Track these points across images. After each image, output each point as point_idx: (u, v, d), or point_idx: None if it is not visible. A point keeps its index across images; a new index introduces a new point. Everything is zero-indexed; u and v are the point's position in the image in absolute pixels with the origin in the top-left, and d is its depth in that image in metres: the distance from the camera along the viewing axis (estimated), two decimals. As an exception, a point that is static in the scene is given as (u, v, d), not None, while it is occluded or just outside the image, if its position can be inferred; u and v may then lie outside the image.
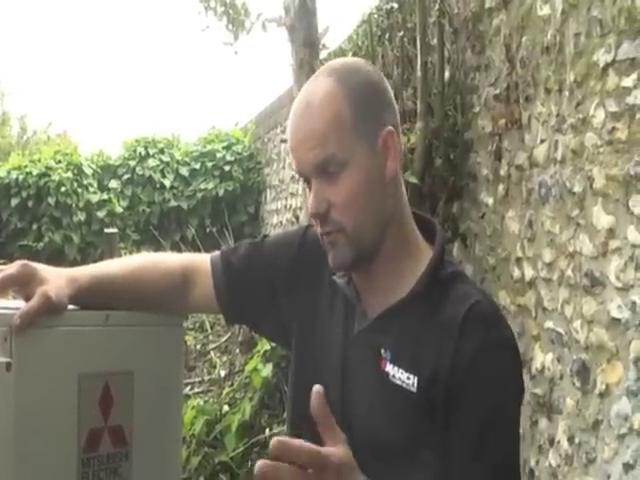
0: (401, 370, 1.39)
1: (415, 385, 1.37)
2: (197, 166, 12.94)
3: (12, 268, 1.41)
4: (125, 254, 9.72)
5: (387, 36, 5.43)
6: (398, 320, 1.42)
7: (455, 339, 1.35)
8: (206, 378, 6.67)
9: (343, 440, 1.19)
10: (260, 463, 1.09)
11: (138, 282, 1.55)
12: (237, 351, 6.88)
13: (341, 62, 1.50)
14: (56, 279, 1.42)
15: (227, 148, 13.03)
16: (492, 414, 1.35)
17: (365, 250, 1.42)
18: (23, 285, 1.41)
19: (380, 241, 1.43)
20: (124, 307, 1.52)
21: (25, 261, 1.44)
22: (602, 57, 2.96)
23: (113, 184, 12.87)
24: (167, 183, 12.77)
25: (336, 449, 1.16)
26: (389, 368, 1.40)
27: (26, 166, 12.47)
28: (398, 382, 1.38)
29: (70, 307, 1.43)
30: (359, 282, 1.49)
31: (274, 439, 1.11)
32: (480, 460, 1.33)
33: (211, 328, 7.80)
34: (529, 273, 3.66)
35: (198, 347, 7.43)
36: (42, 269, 1.44)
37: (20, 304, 1.37)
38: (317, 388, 1.17)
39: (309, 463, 1.12)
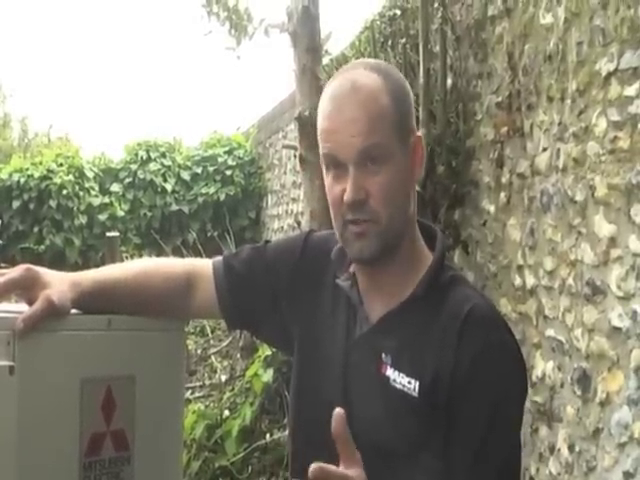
0: (402, 374, 1.39)
1: (416, 390, 1.37)
2: (199, 170, 12.95)
3: (15, 272, 1.41)
4: (126, 258, 9.73)
5: (390, 43, 5.43)
6: (399, 324, 1.42)
7: (455, 342, 1.36)
8: (207, 383, 6.67)
9: (358, 460, 1.21)
10: None
11: (140, 287, 1.55)
12: (238, 356, 6.88)
13: (376, 61, 1.53)
14: (59, 283, 1.43)
15: (229, 153, 13.05)
16: (493, 416, 1.35)
17: (390, 244, 1.42)
18: (26, 289, 1.41)
19: (401, 239, 1.44)
20: (126, 312, 1.52)
21: (28, 265, 1.44)
22: (604, 66, 2.96)
23: (115, 187, 12.88)
24: (168, 187, 12.78)
25: (353, 470, 1.19)
26: (390, 372, 1.41)
27: (27, 169, 12.49)
28: (399, 386, 1.39)
29: (73, 311, 1.43)
30: (362, 286, 1.50)
31: (313, 465, 1.15)
32: (481, 462, 1.33)
33: (212, 333, 7.80)
34: (530, 281, 3.67)
35: (199, 351, 7.43)
36: (45, 273, 1.44)
37: (23, 308, 1.37)
38: (339, 411, 1.19)
39: None
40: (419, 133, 1.47)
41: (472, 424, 1.34)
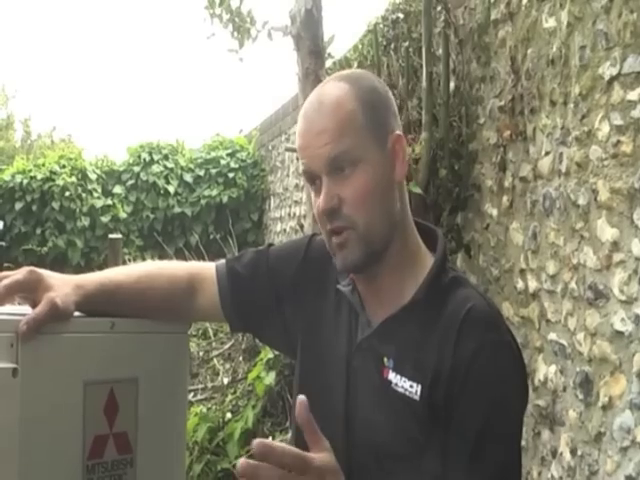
0: (404, 378, 1.39)
1: (418, 393, 1.37)
2: (201, 173, 12.94)
3: (19, 274, 1.41)
4: (129, 260, 9.73)
5: (392, 46, 5.44)
6: (400, 328, 1.43)
7: (454, 341, 1.37)
8: (209, 385, 6.67)
9: (327, 448, 1.22)
10: (242, 461, 1.13)
11: (144, 290, 1.55)
12: (240, 358, 6.89)
13: (349, 71, 1.55)
14: (63, 286, 1.43)
15: (231, 155, 13.05)
16: (490, 416, 1.35)
17: (374, 250, 1.42)
18: (30, 291, 1.41)
19: (388, 243, 1.44)
20: (130, 314, 1.53)
21: (32, 267, 1.44)
22: (607, 70, 2.97)
23: (117, 189, 12.88)
24: (171, 189, 12.77)
25: (319, 454, 1.19)
26: (392, 377, 1.41)
27: (30, 170, 12.49)
28: (401, 390, 1.39)
29: (76, 314, 1.44)
30: (363, 290, 1.50)
31: (256, 440, 1.15)
32: (477, 462, 1.33)
33: (214, 335, 7.80)
34: (533, 285, 3.67)
35: (201, 354, 7.43)
36: (49, 276, 1.44)
37: (26, 310, 1.38)
38: (301, 398, 1.20)
39: (291, 465, 1.15)
40: (399, 132, 1.47)
41: (468, 423, 1.34)
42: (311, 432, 1.20)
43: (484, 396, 1.35)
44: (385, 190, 1.43)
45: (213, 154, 13.11)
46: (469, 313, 1.38)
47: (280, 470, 1.14)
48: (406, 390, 1.39)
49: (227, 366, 7.02)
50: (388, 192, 1.44)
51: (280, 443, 1.16)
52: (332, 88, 1.45)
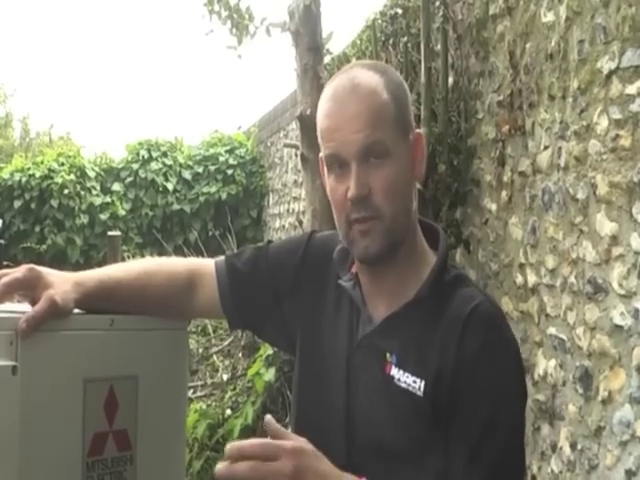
0: (407, 374, 1.39)
1: (422, 389, 1.37)
2: (200, 169, 12.95)
3: (18, 272, 1.41)
4: (128, 257, 9.73)
5: (391, 42, 5.44)
6: (403, 324, 1.42)
7: (457, 339, 1.37)
8: (208, 382, 6.67)
9: (303, 439, 1.25)
10: (218, 466, 1.16)
11: (143, 287, 1.55)
12: (240, 355, 6.89)
13: (374, 62, 1.55)
14: (62, 283, 1.43)
15: (230, 152, 13.06)
16: (492, 413, 1.35)
17: (396, 242, 1.42)
18: (29, 289, 1.41)
19: (405, 238, 1.44)
20: (129, 311, 1.53)
21: (31, 265, 1.44)
22: (606, 64, 2.96)
23: (116, 187, 12.88)
24: (170, 186, 12.78)
25: (289, 440, 1.23)
26: (394, 372, 1.41)
27: (29, 168, 12.50)
28: (404, 386, 1.39)
29: (76, 311, 1.44)
30: (366, 285, 1.50)
31: (227, 446, 1.18)
32: (478, 459, 1.33)
33: (214, 332, 7.79)
34: (532, 279, 3.67)
35: (200, 351, 7.42)
36: (48, 273, 1.44)
37: (26, 308, 1.37)
38: (268, 417, 1.24)
39: (263, 453, 1.17)
40: (419, 130, 1.48)
41: (470, 420, 1.35)
42: (281, 436, 1.23)
43: (486, 395, 1.35)
44: (408, 185, 1.44)
45: (212, 151, 13.11)
46: (473, 311, 1.38)
47: (252, 462, 1.16)
48: (409, 385, 1.38)
49: (226, 362, 7.02)
50: (410, 188, 1.45)
51: (249, 440, 1.19)
52: (365, 75, 1.42)
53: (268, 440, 1.19)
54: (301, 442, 1.23)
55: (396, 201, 1.40)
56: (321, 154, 1.47)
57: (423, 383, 1.37)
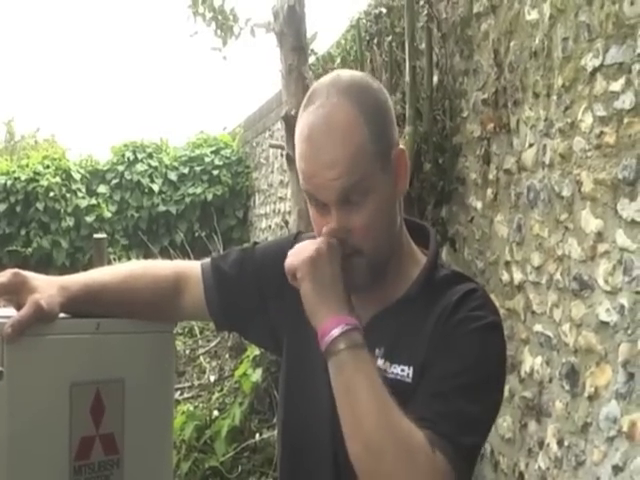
0: (394, 365, 1.40)
1: (410, 376, 1.38)
2: (185, 171, 12.92)
3: (3, 277, 1.40)
4: (114, 259, 9.71)
5: (375, 41, 5.44)
6: (392, 320, 1.43)
7: (445, 319, 1.38)
8: (196, 383, 6.66)
9: None
10: None
11: (129, 290, 1.55)
12: (227, 356, 6.88)
13: (349, 80, 1.43)
14: (47, 287, 1.42)
15: (215, 152, 13.03)
16: (466, 369, 1.34)
17: (379, 270, 1.43)
18: (14, 294, 1.40)
19: (390, 258, 1.45)
20: (115, 315, 1.52)
21: (16, 270, 1.43)
22: (590, 62, 2.97)
23: (102, 189, 12.83)
24: (156, 188, 12.74)
25: None
26: (381, 363, 1.41)
27: (14, 171, 12.43)
28: (392, 376, 1.39)
29: (61, 315, 1.43)
30: None
31: None
32: (441, 400, 1.31)
33: (200, 333, 7.79)
34: (518, 277, 3.68)
35: (187, 352, 7.42)
36: (33, 277, 1.43)
37: (11, 313, 1.37)
38: None
39: None
40: (401, 146, 1.45)
41: (439, 371, 1.34)
42: None
43: (460, 360, 1.35)
44: (390, 210, 1.43)
45: (197, 152, 13.09)
46: (463, 296, 1.40)
47: None
48: (397, 375, 1.39)
49: (213, 364, 7.01)
50: (392, 211, 1.43)
51: None
52: (339, 111, 1.37)
53: None
54: None
55: (377, 235, 1.40)
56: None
57: (411, 370, 1.38)
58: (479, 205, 4.16)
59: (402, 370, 1.39)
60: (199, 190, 12.72)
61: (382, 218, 1.40)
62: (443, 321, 1.38)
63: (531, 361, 3.51)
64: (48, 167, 12.52)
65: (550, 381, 3.32)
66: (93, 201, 12.63)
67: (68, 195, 12.44)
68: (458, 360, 1.35)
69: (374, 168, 1.37)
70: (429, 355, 1.36)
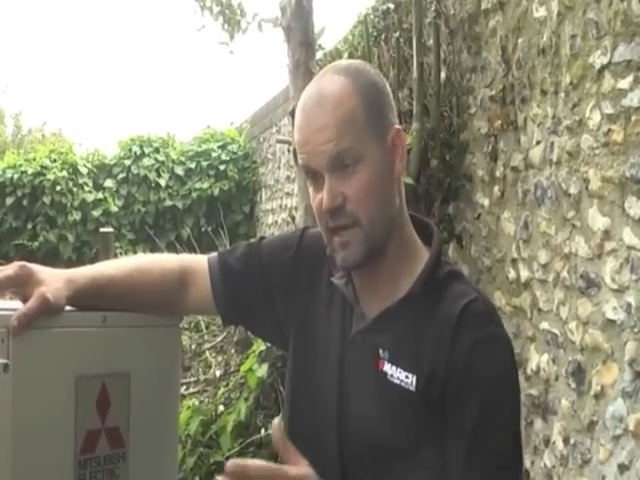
0: (399, 369, 1.39)
1: (414, 384, 1.37)
2: (192, 165, 12.91)
3: (9, 269, 1.40)
4: (120, 253, 9.71)
5: (383, 37, 5.43)
6: (396, 320, 1.42)
7: (450, 336, 1.37)
8: (201, 378, 6.65)
9: (305, 464, 1.26)
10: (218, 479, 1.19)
11: (136, 284, 1.54)
12: (232, 351, 6.87)
13: (347, 63, 1.51)
14: (54, 280, 1.42)
15: (222, 147, 13.02)
16: (488, 409, 1.35)
17: (376, 247, 1.42)
18: (20, 286, 1.40)
19: (388, 239, 1.44)
20: (122, 308, 1.52)
21: (23, 262, 1.43)
22: (598, 59, 2.96)
23: (108, 183, 12.84)
24: (162, 182, 12.74)
25: (296, 466, 1.24)
26: (387, 368, 1.41)
27: (21, 165, 12.45)
28: (396, 381, 1.39)
29: (67, 308, 1.43)
30: (358, 284, 1.50)
31: (228, 463, 1.20)
32: (475, 453, 1.33)
33: (206, 328, 7.78)
34: (524, 274, 3.67)
35: (193, 347, 7.41)
36: (40, 270, 1.43)
37: (17, 305, 1.37)
38: (275, 422, 1.26)
39: (266, 477, 1.20)
40: (398, 126, 1.46)
41: (465, 415, 1.35)
42: (288, 453, 1.24)
43: (481, 389, 1.36)
44: (386, 186, 1.43)
45: (204, 147, 13.08)
46: (465, 309, 1.38)
47: None
48: (402, 381, 1.38)
49: (219, 359, 7.00)
50: (389, 188, 1.43)
51: (253, 460, 1.22)
52: (332, 82, 1.42)
53: (272, 465, 1.19)
54: (304, 469, 1.25)
55: (372, 206, 1.40)
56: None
57: (415, 378, 1.37)
58: (486, 202, 4.15)
59: (406, 377, 1.38)
60: (206, 185, 12.72)
61: (376, 190, 1.40)
62: (449, 338, 1.37)
63: (537, 359, 3.51)
64: (55, 161, 12.53)
65: (556, 379, 3.32)
66: (100, 195, 12.64)
67: (75, 189, 12.46)
68: (481, 398, 1.36)
69: (367, 137, 1.39)
70: (446, 384, 1.36)
